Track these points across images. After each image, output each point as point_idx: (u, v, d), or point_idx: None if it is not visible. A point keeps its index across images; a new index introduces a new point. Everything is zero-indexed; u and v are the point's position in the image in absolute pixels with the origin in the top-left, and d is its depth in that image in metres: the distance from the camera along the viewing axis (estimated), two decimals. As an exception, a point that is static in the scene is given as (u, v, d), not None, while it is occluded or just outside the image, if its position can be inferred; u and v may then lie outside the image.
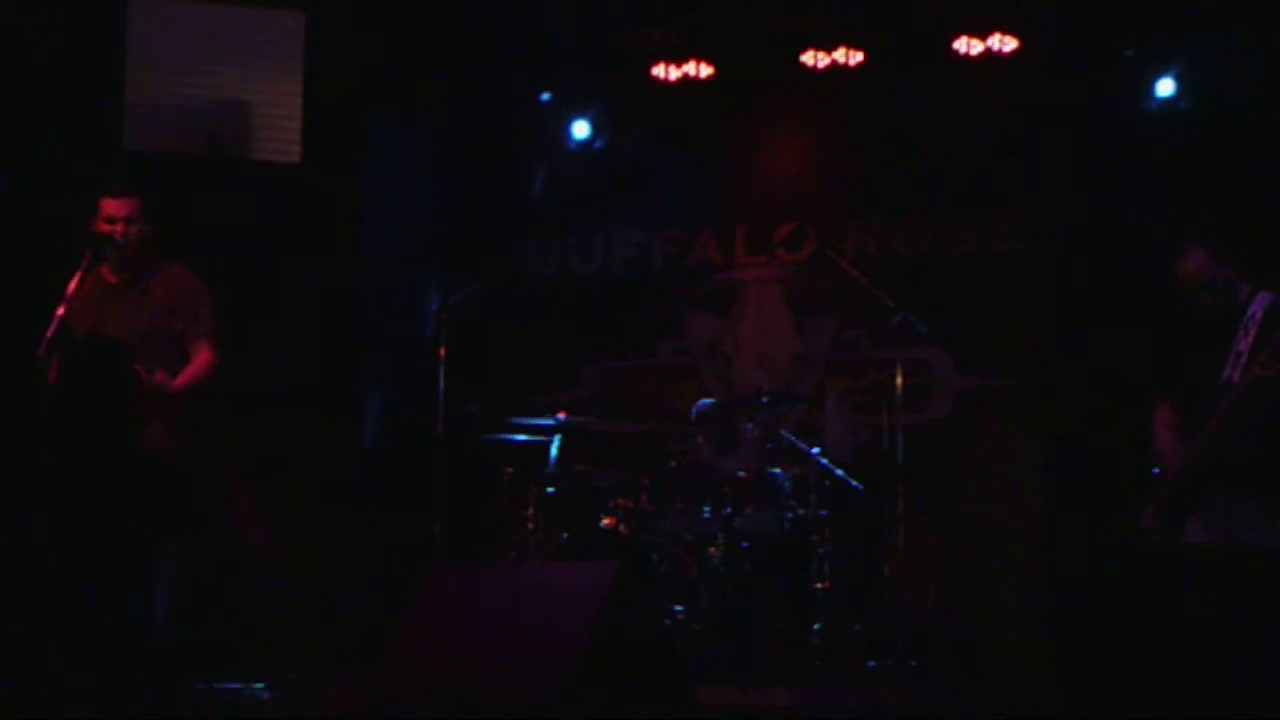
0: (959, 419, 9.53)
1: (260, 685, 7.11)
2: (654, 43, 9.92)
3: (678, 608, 7.82)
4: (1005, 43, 9.46)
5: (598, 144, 10.23)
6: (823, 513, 8.31)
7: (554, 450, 8.55)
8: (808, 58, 9.73)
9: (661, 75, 9.92)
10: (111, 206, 6.68)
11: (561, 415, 8.55)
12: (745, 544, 8.23)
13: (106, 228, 6.65)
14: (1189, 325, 6.52)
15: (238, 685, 7.04)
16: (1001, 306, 9.54)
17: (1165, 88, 9.32)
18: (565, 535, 8.15)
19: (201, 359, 6.70)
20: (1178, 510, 6.32)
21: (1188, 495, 6.30)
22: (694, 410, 8.77)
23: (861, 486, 8.58)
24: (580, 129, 10.22)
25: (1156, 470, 6.44)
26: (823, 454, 8.49)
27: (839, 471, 8.52)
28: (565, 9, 9.47)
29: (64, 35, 8.28)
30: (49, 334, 6.35)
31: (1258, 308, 6.21)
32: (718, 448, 8.74)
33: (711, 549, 8.17)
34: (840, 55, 9.71)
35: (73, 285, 6.45)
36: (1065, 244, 9.44)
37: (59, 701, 6.16)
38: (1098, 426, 8.72)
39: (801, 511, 8.30)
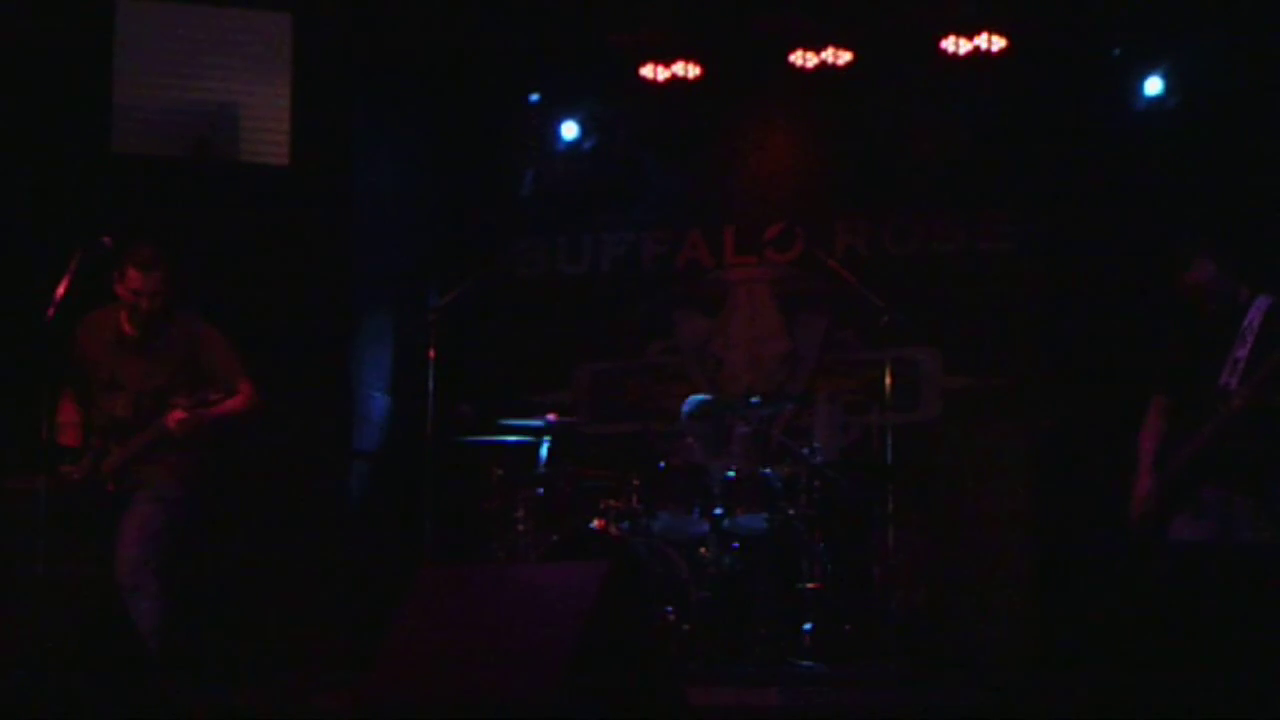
0: (948, 418, 9.54)
1: (250, 688, 7.10)
2: (643, 43, 9.91)
3: (668, 608, 7.81)
4: (993, 42, 9.45)
5: (586, 144, 10.22)
6: (813, 512, 8.31)
7: (544, 451, 8.54)
8: (796, 57, 9.72)
9: (650, 75, 9.91)
10: (138, 280, 6.66)
11: (551, 416, 8.55)
12: (736, 544, 8.23)
13: (130, 298, 6.66)
14: (1184, 325, 6.55)
15: (228, 688, 7.03)
16: (990, 306, 9.55)
17: (1153, 86, 9.32)
18: (555, 536, 8.14)
19: (243, 394, 6.77)
20: (1163, 507, 6.36)
21: (1175, 493, 6.33)
22: (684, 406, 8.78)
23: (851, 486, 8.59)
24: (569, 129, 10.20)
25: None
26: (813, 454, 8.49)
27: (829, 471, 8.52)
28: (554, 10, 9.47)
29: (51, 38, 8.27)
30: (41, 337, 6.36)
31: (1255, 314, 6.24)
32: (708, 447, 8.74)
33: (702, 549, 8.18)
34: (828, 55, 9.71)
35: (61, 289, 6.46)
36: (1053, 243, 9.46)
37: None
38: (1086, 426, 8.74)
39: (792, 511, 8.30)
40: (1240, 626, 6.13)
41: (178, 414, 6.61)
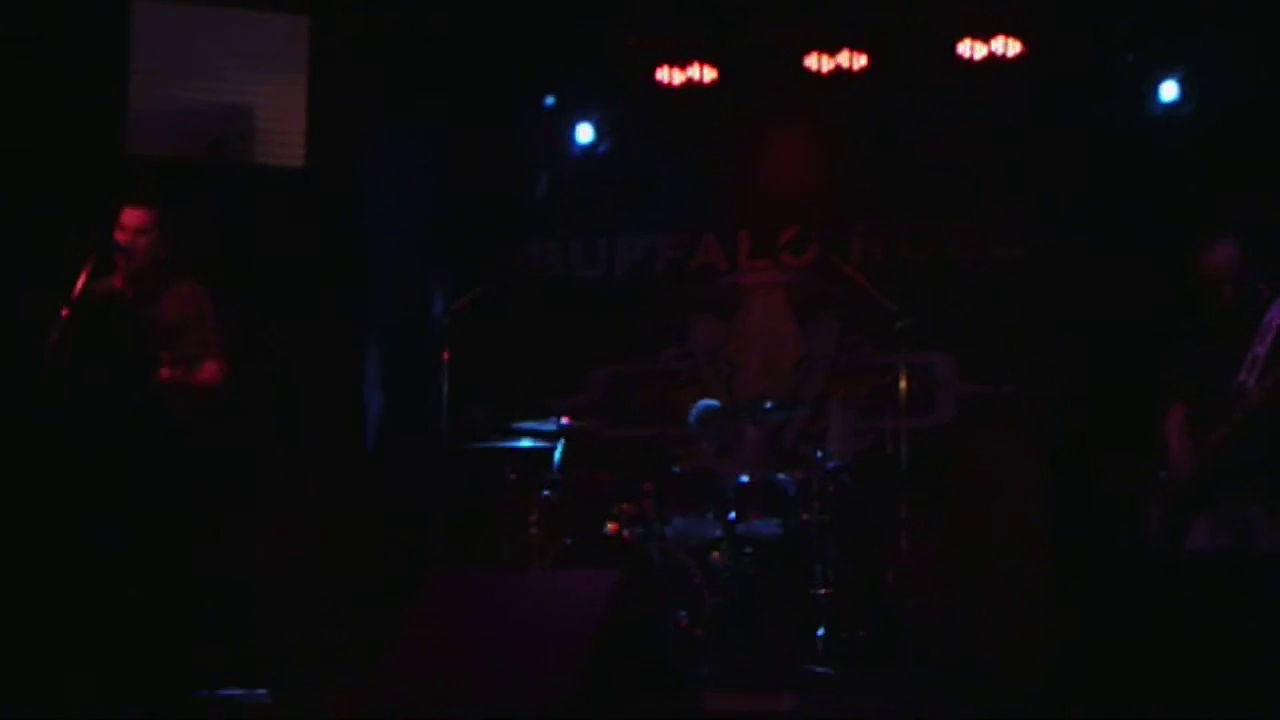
0: (962, 424, 9.53)
1: (262, 691, 7.11)
2: (658, 46, 9.91)
3: (681, 613, 7.80)
4: (1009, 46, 9.43)
5: (601, 148, 10.23)
6: (826, 518, 8.30)
7: (558, 455, 8.53)
8: (811, 61, 9.71)
9: (665, 79, 9.91)
10: (126, 216, 6.71)
11: (565, 420, 8.52)
12: (749, 549, 8.22)
13: (121, 236, 6.69)
14: (1202, 327, 6.52)
15: (239, 691, 7.04)
16: (1005, 311, 9.53)
17: (1169, 92, 9.30)
18: (568, 540, 8.12)
19: (209, 370, 6.75)
20: (1185, 514, 6.33)
21: (1195, 499, 6.30)
22: (692, 412, 8.79)
23: (865, 491, 8.57)
24: (584, 133, 10.21)
25: (1163, 473, 6.44)
26: (826, 458, 8.48)
27: (843, 476, 8.50)
28: (569, 13, 9.47)
29: (68, 40, 8.28)
30: (54, 338, 6.36)
31: (1275, 314, 6.21)
32: (721, 452, 8.74)
33: (715, 554, 8.17)
34: (844, 59, 9.69)
35: (78, 287, 6.46)
36: (1068, 249, 9.43)
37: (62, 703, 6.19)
38: (1101, 432, 8.72)
39: (805, 516, 8.28)
40: (1256, 635, 6.10)
41: (164, 372, 6.62)
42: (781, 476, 8.39)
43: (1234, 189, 8.82)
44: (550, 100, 10.17)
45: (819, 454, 8.52)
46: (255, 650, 7.80)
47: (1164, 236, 8.74)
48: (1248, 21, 8.85)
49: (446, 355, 8.48)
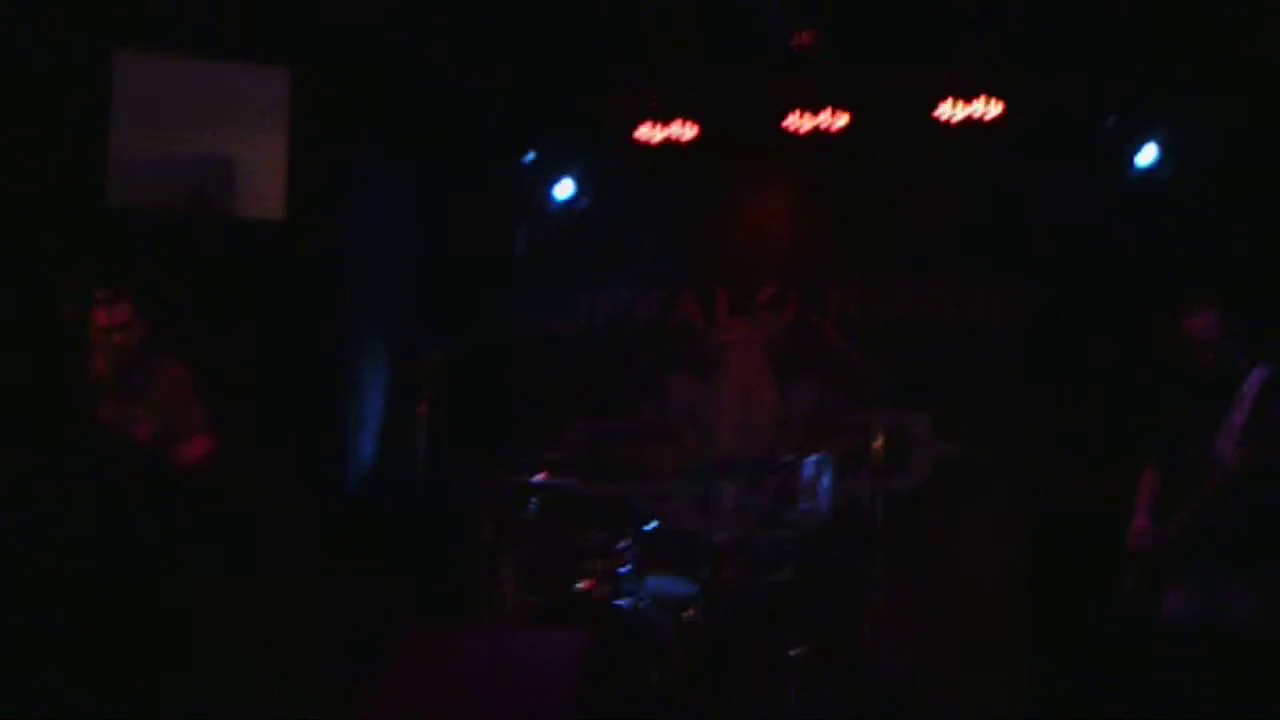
0: (938, 484, 9.51)
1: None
2: (639, 104, 9.93)
3: (653, 672, 7.77)
4: (990, 107, 9.45)
5: (581, 204, 10.24)
6: (801, 577, 8.28)
7: (533, 510, 8.51)
8: (792, 120, 9.73)
9: (646, 136, 9.93)
10: (103, 316, 6.67)
11: (541, 475, 8.51)
12: (723, 607, 8.20)
13: (101, 338, 6.65)
14: (1180, 388, 6.55)
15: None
16: (980, 373, 9.53)
17: (1147, 155, 9.33)
18: (542, 597, 8.10)
19: (199, 445, 6.75)
20: (1157, 578, 6.34)
21: (1168, 564, 6.31)
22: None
23: (840, 550, 8.56)
24: (564, 189, 10.22)
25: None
26: (802, 517, 8.46)
27: (818, 535, 8.49)
28: (550, 69, 9.50)
29: (49, 91, 8.29)
30: None
31: (1254, 383, 6.24)
32: (697, 510, 8.73)
33: (689, 612, 8.15)
34: (825, 118, 9.72)
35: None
36: (1046, 310, 9.45)
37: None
38: (1077, 495, 8.72)
39: (780, 575, 8.27)
40: (1229, 709, 6.10)
41: (143, 430, 6.60)
42: (757, 535, 8.37)
43: (1212, 251, 8.86)
44: (530, 156, 10.18)
45: (795, 512, 8.51)
46: (219, 705, 7.75)
47: (1142, 298, 8.77)
48: (1228, 85, 8.90)
49: (423, 409, 8.46)
